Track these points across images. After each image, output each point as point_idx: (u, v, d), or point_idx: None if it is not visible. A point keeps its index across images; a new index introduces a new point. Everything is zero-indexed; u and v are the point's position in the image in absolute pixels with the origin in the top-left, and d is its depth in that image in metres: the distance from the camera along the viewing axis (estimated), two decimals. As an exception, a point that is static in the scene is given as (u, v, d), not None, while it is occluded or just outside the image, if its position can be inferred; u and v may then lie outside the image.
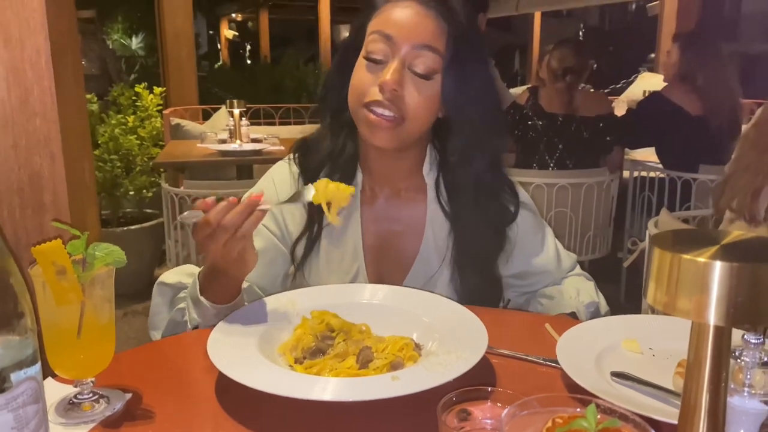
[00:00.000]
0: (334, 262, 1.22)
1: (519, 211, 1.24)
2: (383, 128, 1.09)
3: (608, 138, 3.30)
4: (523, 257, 1.29)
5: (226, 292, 1.03)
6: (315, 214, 1.20)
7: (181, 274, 1.17)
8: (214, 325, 0.97)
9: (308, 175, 1.20)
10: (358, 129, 1.15)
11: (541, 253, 1.30)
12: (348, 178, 1.18)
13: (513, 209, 1.24)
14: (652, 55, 7.39)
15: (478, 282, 1.21)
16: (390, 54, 1.08)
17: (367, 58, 1.10)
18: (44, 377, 0.71)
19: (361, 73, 1.11)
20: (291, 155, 1.26)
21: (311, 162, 1.21)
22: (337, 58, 1.20)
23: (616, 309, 1.18)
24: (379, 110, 1.08)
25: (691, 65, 3.24)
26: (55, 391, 0.85)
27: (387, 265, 1.23)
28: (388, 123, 1.09)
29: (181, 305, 1.11)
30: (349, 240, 1.22)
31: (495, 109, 1.19)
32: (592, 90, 3.78)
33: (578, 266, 1.37)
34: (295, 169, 1.24)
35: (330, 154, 1.20)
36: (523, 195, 1.30)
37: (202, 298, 1.03)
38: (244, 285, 1.13)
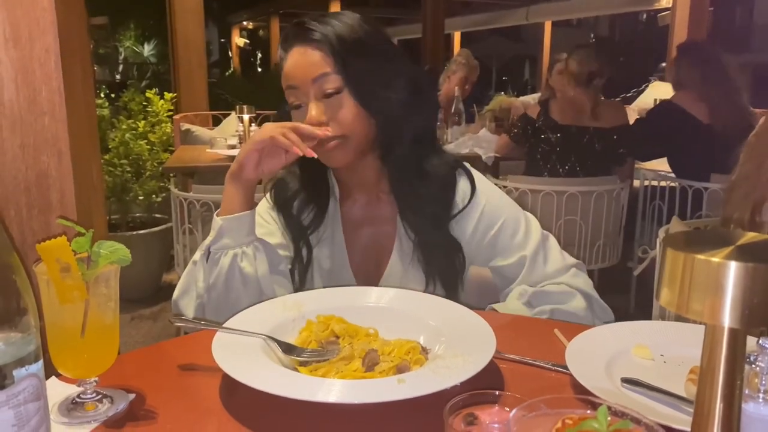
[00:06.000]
0: (323, 265, 1.33)
1: (475, 191, 1.29)
2: (331, 151, 1.21)
3: (621, 150, 3.26)
4: (488, 254, 1.30)
5: (236, 199, 1.19)
6: (298, 239, 1.31)
7: None
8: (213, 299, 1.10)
9: (285, 209, 1.33)
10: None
11: (510, 258, 1.29)
12: (323, 202, 1.32)
13: (461, 185, 1.29)
14: (663, 65, 7.37)
15: (438, 256, 1.28)
16: (302, 97, 1.21)
17: (292, 109, 1.25)
18: (47, 376, 0.70)
19: (297, 121, 1.22)
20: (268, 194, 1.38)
21: (285, 196, 1.34)
22: (281, 107, 1.32)
23: (625, 319, 1.16)
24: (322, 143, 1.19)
25: (693, 74, 3.23)
26: (58, 390, 0.85)
27: (370, 261, 1.33)
28: (333, 144, 1.20)
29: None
30: (335, 245, 1.33)
31: (403, 91, 1.24)
32: (610, 99, 3.65)
33: (576, 274, 1.29)
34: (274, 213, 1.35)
35: (302, 186, 1.33)
36: (494, 197, 1.32)
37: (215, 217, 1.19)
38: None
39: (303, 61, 1.20)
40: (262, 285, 1.18)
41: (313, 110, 1.19)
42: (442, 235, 1.29)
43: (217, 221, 1.18)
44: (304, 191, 1.33)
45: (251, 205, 1.21)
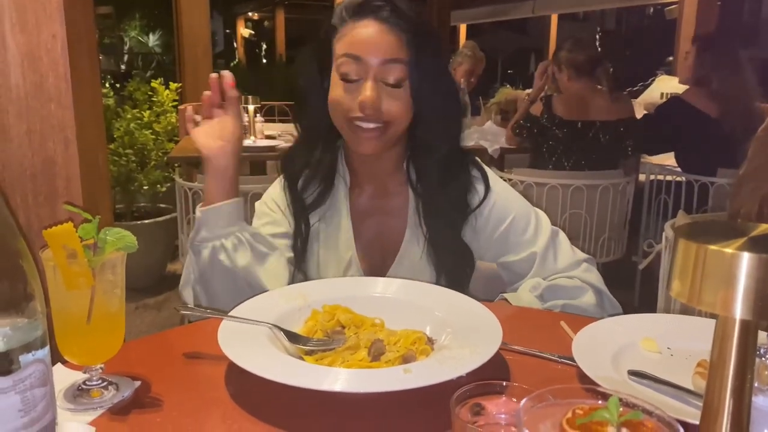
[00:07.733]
0: (330, 252, 1.31)
1: (489, 191, 1.29)
2: (369, 138, 1.19)
3: (627, 143, 3.24)
4: (498, 250, 1.30)
5: (212, 188, 1.18)
6: (299, 215, 1.30)
7: None
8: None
9: (291, 183, 1.31)
10: (345, 139, 1.25)
11: (521, 254, 1.29)
12: (328, 183, 1.30)
13: (476, 183, 1.30)
14: (670, 59, 7.33)
15: (450, 255, 1.28)
16: (362, 72, 1.17)
17: (343, 79, 1.19)
18: (53, 363, 0.70)
19: (338, 91, 1.19)
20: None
21: (292, 170, 1.32)
22: (305, 77, 1.27)
23: (630, 313, 1.16)
24: (364, 124, 1.18)
25: (709, 68, 3.20)
26: (64, 376, 0.85)
27: (377, 252, 1.32)
28: (373, 133, 1.19)
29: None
30: (342, 232, 1.31)
31: (452, 95, 1.28)
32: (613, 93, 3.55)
33: (587, 269, 1.29)
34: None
35: (308, 163, 1.30)
36: (504, 192, 1.32)
37: (198, 208, 1.19)
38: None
39: (379, 38, 1.16)
40: (243, 277, 1.17)
41: (370, 90, 1.15)
42: (456, 241, 1.28)
43: (197, 213, 1.18)
44: (310, 168, 1.31)
45: (232, 194, 1.19)
